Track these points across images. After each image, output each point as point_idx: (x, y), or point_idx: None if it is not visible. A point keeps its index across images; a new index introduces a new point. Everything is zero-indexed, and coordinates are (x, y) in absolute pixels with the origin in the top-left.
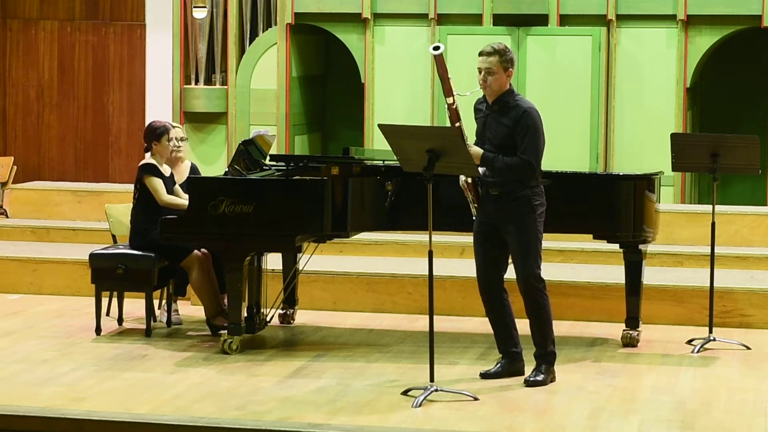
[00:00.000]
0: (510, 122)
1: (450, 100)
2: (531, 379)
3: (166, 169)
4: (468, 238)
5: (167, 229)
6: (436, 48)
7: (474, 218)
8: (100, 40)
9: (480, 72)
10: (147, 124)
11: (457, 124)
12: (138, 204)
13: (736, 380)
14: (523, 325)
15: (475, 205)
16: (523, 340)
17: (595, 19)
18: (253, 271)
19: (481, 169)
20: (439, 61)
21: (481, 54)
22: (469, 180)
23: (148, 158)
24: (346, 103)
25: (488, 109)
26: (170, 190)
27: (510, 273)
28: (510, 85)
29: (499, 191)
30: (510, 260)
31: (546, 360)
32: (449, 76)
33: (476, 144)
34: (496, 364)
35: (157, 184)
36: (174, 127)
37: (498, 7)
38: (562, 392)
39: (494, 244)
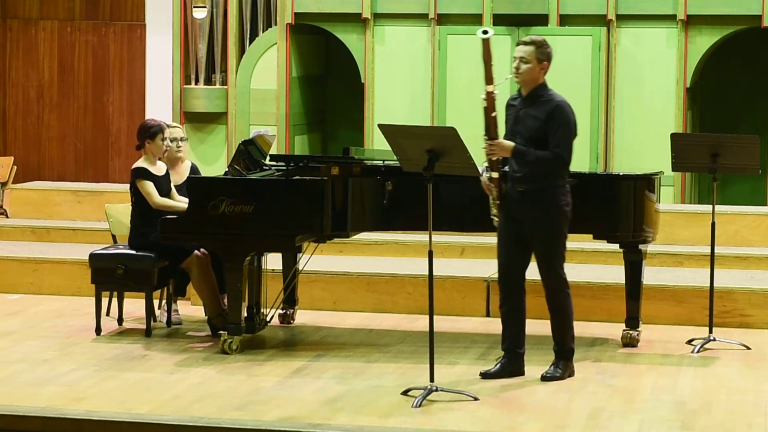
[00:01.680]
0: (542, 115)
1: (490, 87)
2: (548, 375)
3: (160, 168)
4: (468, 238)
5: (167, 229)
6: (485, 32)
7: (492, 216)
8: (100, 40)
9: (515, 60)
10: (141, 122)
11: (494, 114)
12: (135, 207)
13: (736, 380)
14: (529, 327)
15: (497, 202)
16: (528, 340)
17: (595, 19)
18: (253, 271)
19: (486, 173)
20: (486, 47)
21: (519, 43)
22: (495, 175)
23: (140, 161)
24: (346, 103)
25: (522, 103)
26: (166, 190)
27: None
28: (544, 79)
29: (526, 188)
30: (532, 258)
31: (564, 356)
32: (492, 63)
33: (506, 139)
34: (496, 363)
35: (149, 188)
36: (173, 127)
37: (498, 7)
38: (562, 392)
39: (519, 241)
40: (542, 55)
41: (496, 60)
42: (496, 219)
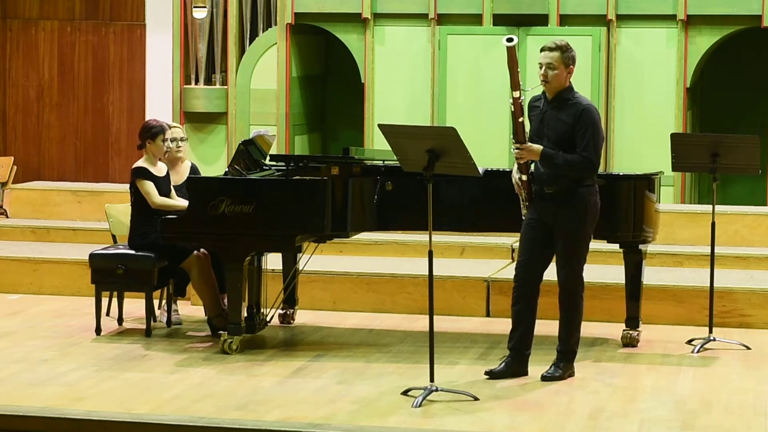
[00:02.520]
0: (569, 119)
1: (516, 93)
2: (548, 374)
3: (161, 169)
4: (468, 238)
5: (167, 229)
6: (510, 40)
7: (524, 218)
8: (100, 40)
9: (541, 67)
10: (143, 122)
11: (521, 120)
12: (134, 207)
13: (736, 380)
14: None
15: (527, 203)
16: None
17: (595, 19)
18: (253, 271)
19: (516, 175)
20: (511, 54)
21: (543, 49)
22: (524, 178)
23: (141, 161)
24: (346, 103)
25: (546, 105)
26: (166, 190)
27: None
28: (570, 82)
29: (554, 189)
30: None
31: (566, 357)
32: (518, 69)
33: (530, 141)
34: (500, 362)
35: (149, 188)
36: (174, 127)
37: (498, 7)
38: (562, 392)
39: (543, 240)
40: (568, 59)
41: (498, 60)
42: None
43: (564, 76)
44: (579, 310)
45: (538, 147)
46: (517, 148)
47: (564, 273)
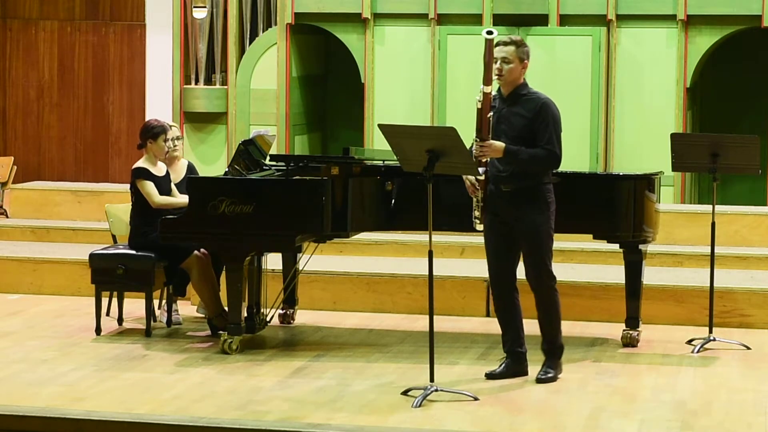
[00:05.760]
0: (528, 113)
1: (488, 89)
2: (542, 377)
3: (161, 168)
4: (468, 238)
5: (167, 229)
6: (490, 33)
7: (475, 219)
8: (100, 40)
9: (496, 61)
10: (144, 122)
11: (489, 115)
12: (135, 207)
13: (736, 380)
14: (528, 326)
15: (481, 204)
16: (529, 339)
17: (595, 19)
18: (253, 271)
19: (481, 170)
20: (489, 47)
21: (498, 44)
22: (481, 177)
23: (141, 161)
24: (346, 103)
25: (503, 103)
26: (167, 189)
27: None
28: (524, 78)
29: (512, 187)
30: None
31: (555, 354)
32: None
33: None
34: (500, 364)
35: (149, 188)
36: (171, 126)
37: (498, 7)
38: (562, 392)
39: (506, 240)
40: (523, 53)
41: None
42: (478, 221)
43: (519, 71)
44: (556, 305)
45: (501, 144)
46: (480, 146)
47: (534, 273)
